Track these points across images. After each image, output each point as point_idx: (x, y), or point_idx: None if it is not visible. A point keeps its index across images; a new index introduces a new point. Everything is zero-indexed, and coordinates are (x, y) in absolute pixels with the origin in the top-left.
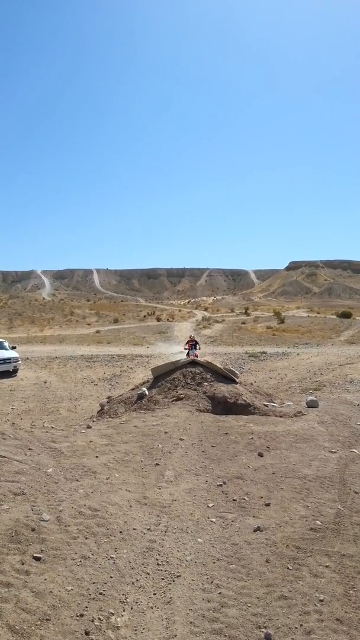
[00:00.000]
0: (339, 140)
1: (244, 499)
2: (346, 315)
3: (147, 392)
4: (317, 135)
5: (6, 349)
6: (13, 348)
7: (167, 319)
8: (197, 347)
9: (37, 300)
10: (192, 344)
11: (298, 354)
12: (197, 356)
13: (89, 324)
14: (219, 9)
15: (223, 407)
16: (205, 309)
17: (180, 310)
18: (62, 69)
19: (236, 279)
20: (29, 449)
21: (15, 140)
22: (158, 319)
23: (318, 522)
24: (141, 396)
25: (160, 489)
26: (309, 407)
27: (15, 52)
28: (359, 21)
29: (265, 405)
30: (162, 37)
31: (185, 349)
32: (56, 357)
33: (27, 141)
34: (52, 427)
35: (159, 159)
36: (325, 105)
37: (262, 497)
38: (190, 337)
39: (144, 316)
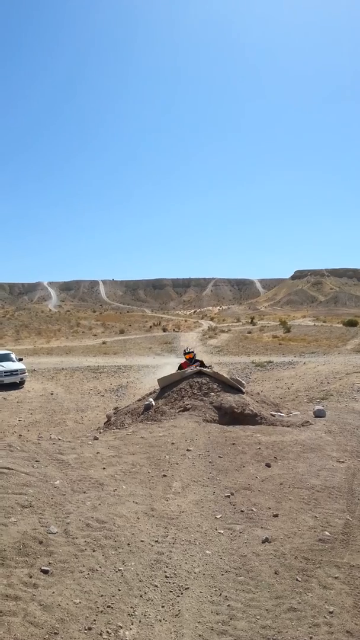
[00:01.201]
0: (344, 146)
1: (252, 510)
2: (352, 323)
3: (153, 403)
4: (321, 141)
5: (13, 361)
6: (20, 360)
7: (173, 329)
8: (195, 362)
9: (44, 311)
10: (191, 358)
11: (305, 363)
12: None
13: (95, 335)
14: (218, 17)
15: (230, 417)
16: (211, 319)
17: (186, 321)
18: (63, 79)
19: (242, 288)
20: (36, 461)
21: (18, 152)
22: (164, 330)
23: (327, 532)
24: (148, 407)
25: (167, 500)
26: (316, 416)
27: (15, 62)
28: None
29: (273, 415)
30: (161, 43)
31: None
32: (63, 369)
33: (29, 152)
34: (59, 439)
35: (163, 168)
36: (328, 110)
37: (270, 508)
38: (186, 354)
39: (150, 327)
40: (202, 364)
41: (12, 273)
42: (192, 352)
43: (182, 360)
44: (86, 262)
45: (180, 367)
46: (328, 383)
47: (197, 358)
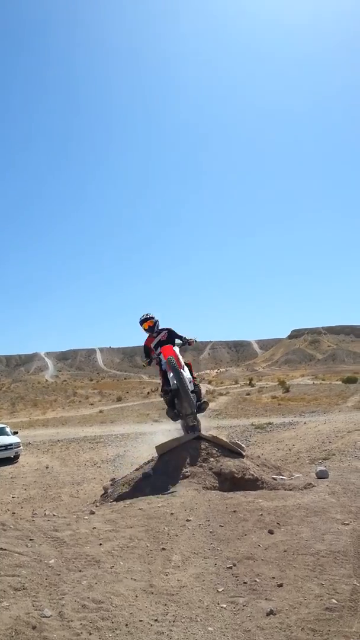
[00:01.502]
0: (339, 203)
1: (255, 580)
2: (352, 380)
3: (151, 472)
4: (316, 199)
5: (7, 435)
6: (15, 433)
7: None
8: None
9: (40, 382)
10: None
11: (305, 423)
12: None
13: (92, 404)
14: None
15: (230, 482)
16: (209, 382)
17: None
18: (54, 141)
19: (239, 350)
20: (30, 539)
21: (8, 219)
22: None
23: (334, 600)
24: (146, 476)
25: (167, 575)
26: (318, 477)
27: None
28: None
29: (274, 479)
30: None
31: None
32: (58, 440)
33: (20, 220)
34: (54, 515)
35: (155, 232)
36: (318, 171)
37: (274, 578)
38: (145, 321)
39: (148, 393)
40: (171, 333)
41: (9, 345)
42: (151, 318)
43: (176, 424)
44: (83, 330)
45: (146, 348)
46: (330, 442)
47: (162, 327)
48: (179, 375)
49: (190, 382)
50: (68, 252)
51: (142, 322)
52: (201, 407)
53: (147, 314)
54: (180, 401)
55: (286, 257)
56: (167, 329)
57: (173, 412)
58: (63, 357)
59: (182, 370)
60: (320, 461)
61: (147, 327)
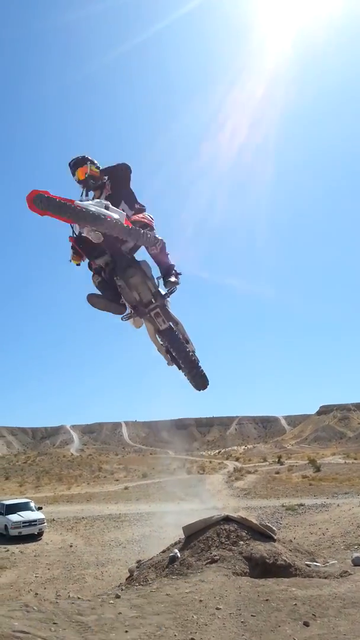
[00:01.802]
0: None
1: None
2: None
3: (179, 555)
4: (343, 270)
5: (32, 510)
6: (39, 509)
7: (198, 472)
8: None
9: (66, 456)
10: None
11: (338, 505)
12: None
13: (117, 480)
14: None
15: (261, 568)
16: (237, 459)
17: (210, 462)
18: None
19: (267, 425)
20: (54, 623)
21: (29, 296)
22: (188, 472)
23: None
24: (173, 559)
25: None
26: (355, 565)
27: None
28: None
29: (308, 565)
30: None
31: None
32: (83, 518)
33: (41, 295)
34: (79, 598)
35: (181, 304)
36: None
37: None
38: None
39: (174, 469)
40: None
41: (35, 417)
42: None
43: (208, 505)
44: (109, 403)
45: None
46: None
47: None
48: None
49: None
50: (95, 325)
51: (74, 165)
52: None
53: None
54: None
55: (312, 329)
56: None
57: (112, 302)
58: (89, 430)
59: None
60: (356, 547)
61: (82, 178)
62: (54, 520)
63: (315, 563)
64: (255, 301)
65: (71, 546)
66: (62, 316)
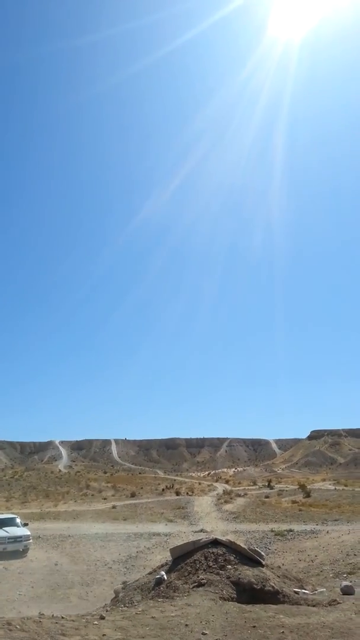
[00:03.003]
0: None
1: None
2: None
3: (165, 577)
4: (333, 296)
5: (18, 526)
6: (25, 525)
7: (187, 493)
8: None
9: (53, 472)
10: None
11: (328, 532)
12: None
13: (105, 499)
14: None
15: (249, 594)
16: (226, 482)
17: (200, 483)
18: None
19: (257, 448)
20: None
21: (26, 303)
22: (177, 493)
23: None
24: (159, 581)
25: None
26: (344, 594)
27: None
28: None
29: (296, 592)
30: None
31: None
32: (69, 535)
33: (31, 307)
34: (63, 617)
35: (173, 326)
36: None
37: None
38: None
39: (163, 489)
40: None
41: (24, 431)
42: None
43: (196, 528)
44: (98, 420)
45: None
46: (355, 555)
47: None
48: None
49: None
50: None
51: None
52: None
53: None
54: None
55: (303, 354)
56: None
57: None
58: (78, 447)
59: None
60: (344, 575)
61: None
62: (39, 537)
63: (303, 590)
64: (249, 323)
65: (56, 564)
66: (56, 330)
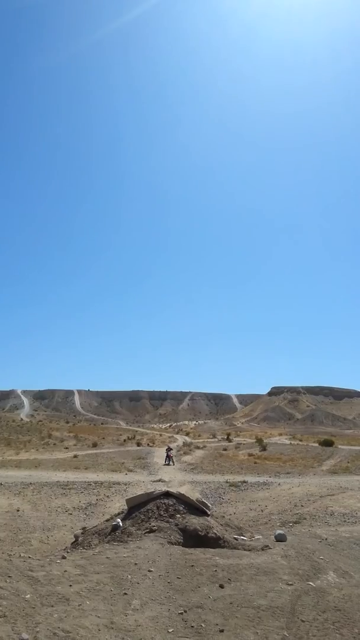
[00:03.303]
0: (322, 266)
1: (201, 625)
2: (328, 443)
3: (121, 524)
4: (298, 257)
5: None
6: None
7: (148, 444)
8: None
9: (15, 421)
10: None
11: (279, 484)
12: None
13: (66, 448)
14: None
15: (194, 540)
16: (187, 434)
17: (161, 435)
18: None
19: (219, 403)
20: (9, 576)
21: None
22: (138, 444)
23: None
24: (115, 527)
25: (126, 615)
26: (277, 540)
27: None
28: None
29: (235, 539)
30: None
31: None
32: (30, 483)
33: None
34: (30, 557)
35: (139, 276)
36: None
37: (217, 624)
38: (167, 447)
39: (124, 440)
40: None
41: None
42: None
43: (154, 478)
44: (62, 370)
45: None
46: (302, 506)
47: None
48: None
49: None
50: (52, 292)
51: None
52: None
53: (170, 447)
54: None
55: (268, 312)
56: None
57: None
58: (40, 397)
59: None
60: (290, 524)
61: (168, 449)
62: (1, 484)
63: (242, 537)
64: (215, 279)
65: (18, 510)
66: (20, 277)
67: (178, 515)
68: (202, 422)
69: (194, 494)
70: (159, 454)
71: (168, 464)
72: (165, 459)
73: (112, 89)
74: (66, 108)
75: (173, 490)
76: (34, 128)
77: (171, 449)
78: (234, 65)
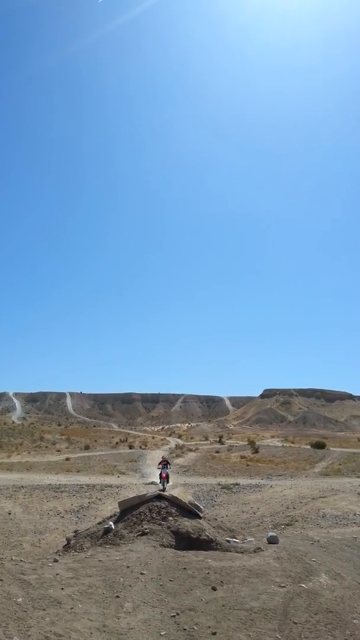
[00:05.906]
0: (317, 269)
1: (194, 628)
2: (320, 445)
3: (113, 527)
4: (293, 264)
5: None
6: None
7: (140, 447)
8: (169, 467)
9: (7, 423)
10: (164, 464)
11: (271, 487)
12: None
13: (59, 451)
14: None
15: (187, 542)
16: (179, 436)
17: (153, 437)
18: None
19: (211, 405)
20: (0, 579)
21: None
22: (130, 447)
23: None
24: (107, 530)
25: (118, 618)
26: (269, 542)
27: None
28: None
29: (228, 541)
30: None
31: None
32: (22, 486)
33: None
34: (22, 560)
35: (133, 279)
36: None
37: (209, 627)
38: (162, 458)
39: (116, 443)
40: (167, 463)
41: None
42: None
43: (146, 480)
44: (54, 372)
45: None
46: (294, 508)
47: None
48: None
49: None
50: (45, 294)
51: (162, 459)
52: None
53: (166, 458)
54: None
55: (261, 314)
56: (166, 461)
57: None
58: (32, 399)
59: None
60: (283, 526)
61: (162, 461)
62: None
63: (234, 539)
64: (208, 282)
65: (9, 514)
66: (14, 279)
67: (170, 518)
68: (195, 424)
69: (186, 497)
70: (151, 457)
71: (163, 488)
72: (160, 479)
73: (106, 92)
74: (60, 111)
75: (165, 492)
76: (28, 130)
77: (168, 464)
78: (229, 69)
